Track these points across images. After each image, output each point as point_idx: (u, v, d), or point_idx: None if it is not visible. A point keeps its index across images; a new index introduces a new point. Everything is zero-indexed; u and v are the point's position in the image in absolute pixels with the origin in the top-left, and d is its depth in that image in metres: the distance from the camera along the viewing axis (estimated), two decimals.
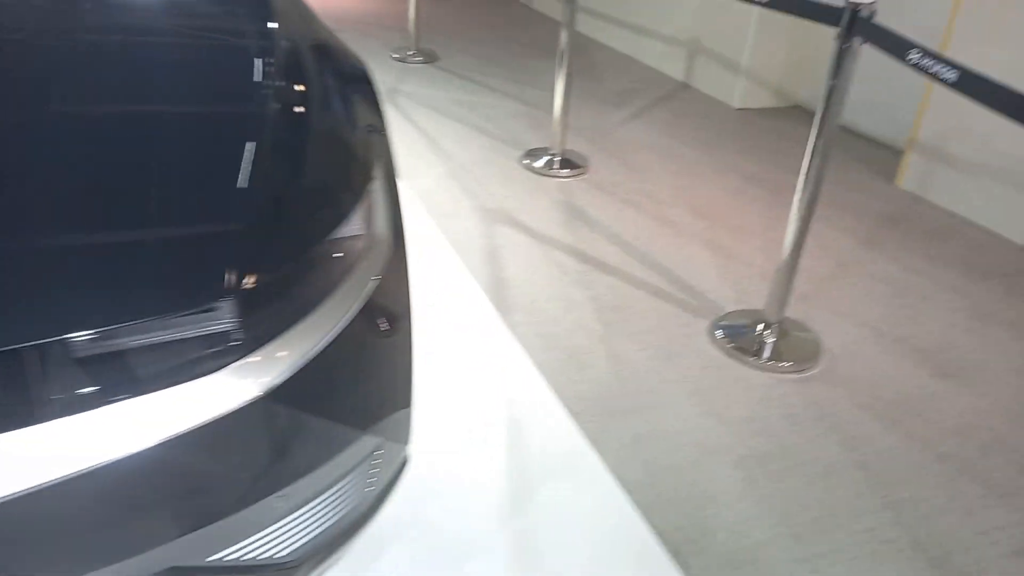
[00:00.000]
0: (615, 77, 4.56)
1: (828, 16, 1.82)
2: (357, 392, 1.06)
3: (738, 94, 4.15)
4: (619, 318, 2.25)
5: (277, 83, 1.09)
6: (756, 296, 2.40)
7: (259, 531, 0.99)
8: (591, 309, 2.29)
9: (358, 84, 1.25)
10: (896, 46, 1.57)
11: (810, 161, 1.95)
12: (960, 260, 2.73)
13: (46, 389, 0.80)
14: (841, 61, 1.80)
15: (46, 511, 0.79)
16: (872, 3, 1.73)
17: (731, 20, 4.07)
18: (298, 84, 1.12)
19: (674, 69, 4.60)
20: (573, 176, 3.20)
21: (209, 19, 1.27)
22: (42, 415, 0.79)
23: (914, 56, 1.51)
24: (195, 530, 0.90)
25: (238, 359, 0.88)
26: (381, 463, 1.16)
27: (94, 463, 0.79)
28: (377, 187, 1.13)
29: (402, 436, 1.24)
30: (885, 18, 3.57)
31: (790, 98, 4.22)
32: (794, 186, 2.25)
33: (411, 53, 4.62)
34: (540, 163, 3.24)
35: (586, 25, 5.44)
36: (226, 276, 0.85)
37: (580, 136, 3.60)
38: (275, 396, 0.90)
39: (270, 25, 1.22)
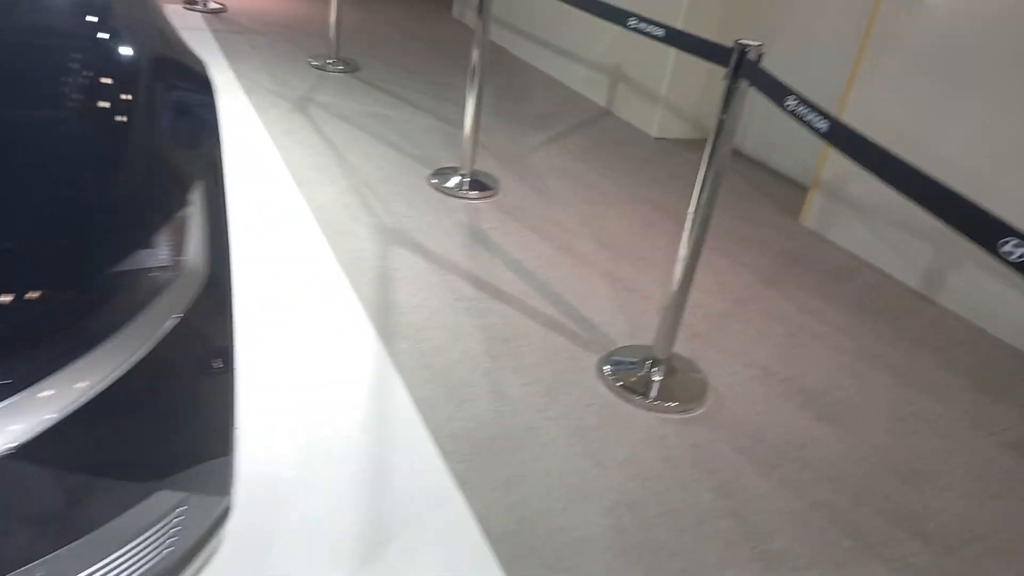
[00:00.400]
0: (538, 99, 4.53)
1: (719, 56, 1.80)
2: (145, 444, 0.95)
3: (656, 124, 4.17)
4: (508, 350, 2.18)
5: (79, 83, 0.97)
6: (651, 331, 2.37)
7: None
8: (480, 339, 2.21)
9: (192, 91, 1.14)
10: (776, 91, 1.55)
11: (699, 195, 1.93)
12: (853, 301, 2.77)
13: None
14: (729, 99, 1.78)
15: None
16: (759, 46, 1.72)
17: (651, 49, 4.10)
18: (107, 86, 1.01)
19: (597, 94, 4.60)
20: (481, 198, 3.13)
21: (24, 8, 1.14)
22: None
23: (791, 103, 1.49)
24: None
25: None
26: (185, 520, 1.04)
27: None
28: (193, 212, 1.02)
29: (219, 487, 1.13)
30: (805, 65, 3.66)
31: (706, 130, 4.26)
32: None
33: (331, 61, 4.49)
34: (449, 183, 3.16)
35: (513, 44, 5.41)
36: None
37: (494, 157, 3.54)
38: (24, 453, 0.78)
39: (88, 18, 1.10)
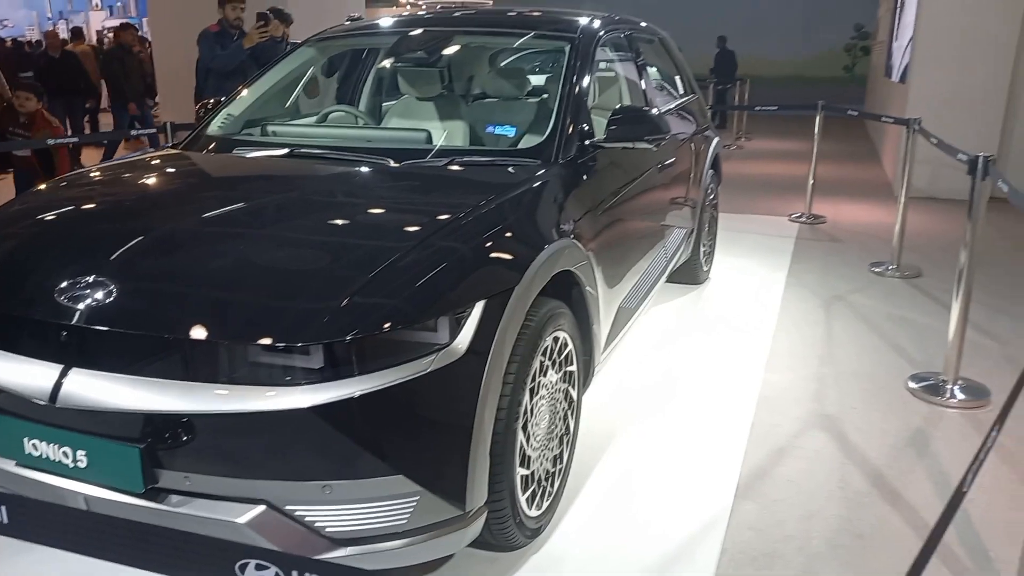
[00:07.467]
0: None
1: None
2: (393, 437, 1.57)
3: None
4: None
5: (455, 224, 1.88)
6: None
7: None
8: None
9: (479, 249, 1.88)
10: None
11: None
12: None
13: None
14: None
15: None
16: None
17: None
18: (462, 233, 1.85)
19: None
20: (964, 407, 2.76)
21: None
22: None
23: None
24: None
25: None
26: (416, 506, 1.57)
27: None
28: (471, 316, 1.64)
29: (453, 499, 1.61)
30: None
31: None
32: None
33: (892, 268, 4.49)
34: (931, 387, 2.91)
35: None
36: None
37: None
38: (341, 406, 1.48)
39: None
